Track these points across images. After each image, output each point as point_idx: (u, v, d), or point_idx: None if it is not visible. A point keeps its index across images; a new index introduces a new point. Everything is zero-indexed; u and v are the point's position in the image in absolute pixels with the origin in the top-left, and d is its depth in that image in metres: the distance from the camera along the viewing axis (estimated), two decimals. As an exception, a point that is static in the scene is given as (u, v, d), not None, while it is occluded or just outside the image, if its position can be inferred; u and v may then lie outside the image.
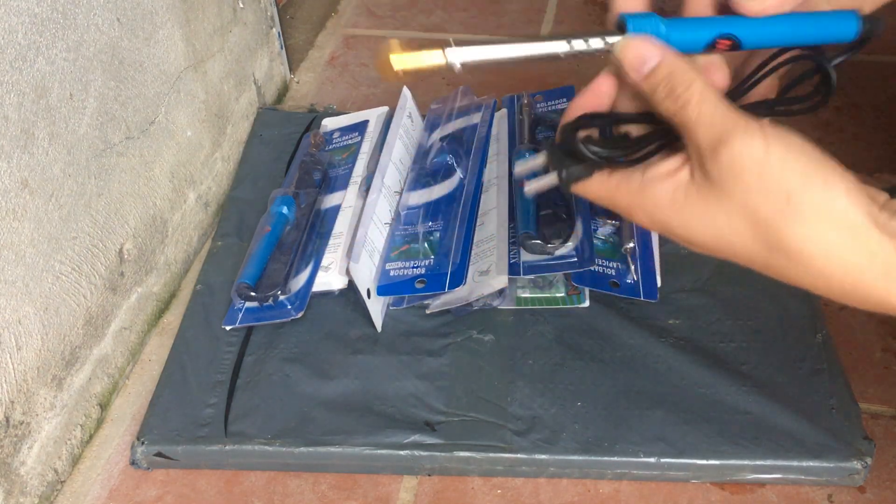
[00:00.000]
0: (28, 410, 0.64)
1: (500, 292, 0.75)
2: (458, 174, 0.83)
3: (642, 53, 0.39)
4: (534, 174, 0.44)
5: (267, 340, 0.75)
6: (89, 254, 0.70)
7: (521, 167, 0.44)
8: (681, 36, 0.41)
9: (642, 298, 0.74)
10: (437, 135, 0.88)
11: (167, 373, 0.74)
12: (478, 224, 0.81)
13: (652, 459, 0.65)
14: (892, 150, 0.96)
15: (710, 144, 0.37)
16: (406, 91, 0.90)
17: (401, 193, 0.83)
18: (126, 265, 0.76)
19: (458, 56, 0.41)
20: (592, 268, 0.75)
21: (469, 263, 0.76)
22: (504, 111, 0.93)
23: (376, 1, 1.25)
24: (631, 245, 0.75)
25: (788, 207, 0.36)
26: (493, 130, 0.91)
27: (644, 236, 0.78)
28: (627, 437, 0.66)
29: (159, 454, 0.68)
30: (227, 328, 0.76)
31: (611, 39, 0.41)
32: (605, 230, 0.79)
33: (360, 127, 0.93)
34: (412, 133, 0.89)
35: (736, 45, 0.41)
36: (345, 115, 0.97)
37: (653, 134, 0.41)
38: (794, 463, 0.65)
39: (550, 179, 0.43)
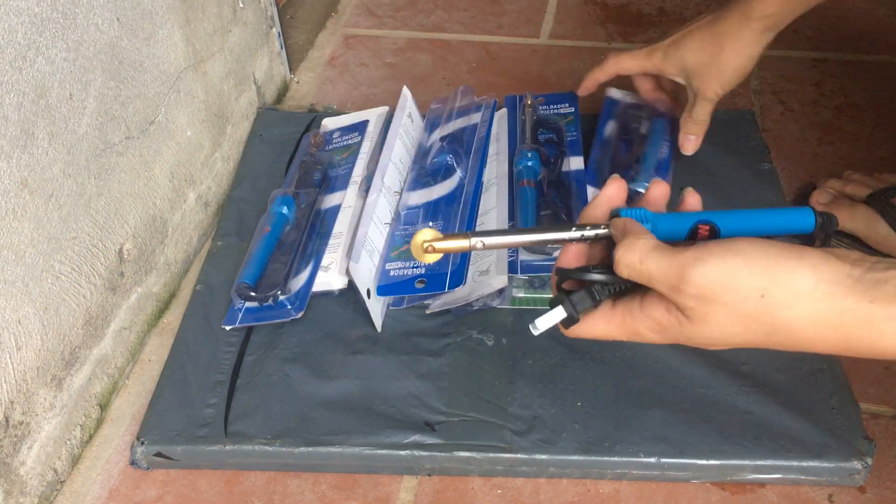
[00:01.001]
0: (28, 410, 0.64)
1: (500, 292, 0.75)
2: (458, 174, 0.83)
3: (598, 209, 0.51)
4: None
5: (267, 340, 0.75)
6: (89, 254, 0.70)
7: (539, 319, 0.49)
8: (665, 225, 0.49)
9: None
10: (437, 135, 0.88)
11: (167, 373, 0.74)
12: (477, 224, 0.81)
13: (652, 459, 0.65)
14: (892, 150, 0.96)
15: (671, 291, 0.44)
16: (406, 91, 0.90)
17: (401, 193, 0.83)
18: (126, 265, 0.76)
19: (481, 242, 0.50)
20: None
21: (469, 263, 0.76)
22: (504, 111, 0.93)
23: (376, 1, 1.25)
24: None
25: (765, 302, 0.42)
26: (494, 130, 0.91)
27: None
28: (627, 437, 0.66)
29: (159, 454, 0.68)
30: (227, 328, 0.76)
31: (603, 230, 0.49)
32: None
33: (360, 127, 0.93)
34: (412, 133, 0.89)
35: (714, 232, 0.48)
36: (345, 115, 0.97)
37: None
38: (795, 463, 0.65)
39: (558, 314, 0.48)
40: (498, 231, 0.51)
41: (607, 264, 0.47)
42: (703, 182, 0.86)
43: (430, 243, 0.49)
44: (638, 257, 0.44)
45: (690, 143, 0.85)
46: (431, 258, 0.50)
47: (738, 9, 0.76)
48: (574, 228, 0.49)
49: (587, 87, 0.90)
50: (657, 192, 0.52)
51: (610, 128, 0.91)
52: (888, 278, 0.41)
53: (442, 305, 0.75)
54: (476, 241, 0.49)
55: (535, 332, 0.50)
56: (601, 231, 0.49)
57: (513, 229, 0.55)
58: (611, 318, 0.48)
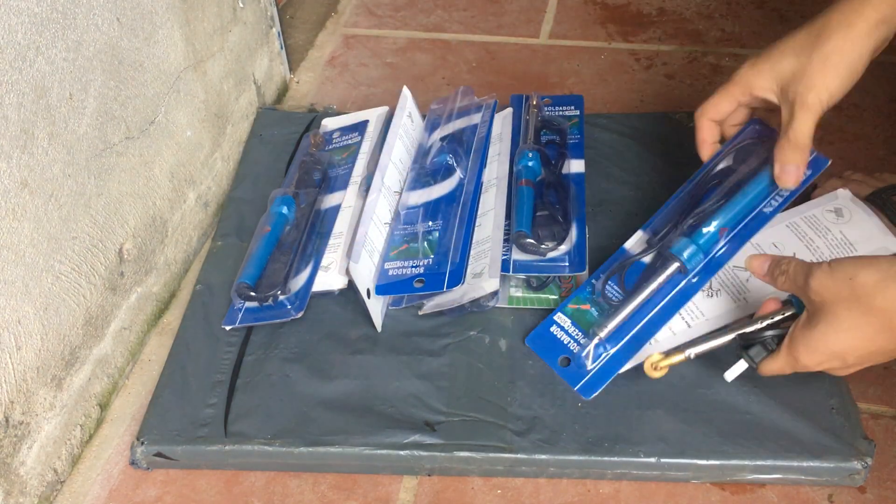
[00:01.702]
0: (28, 410, 0.64)
1: (493, 294, 0.75)
2: (458, 174, 0.83)
3: (758, 262, 0.63)
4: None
5: (267, 340, 0.75)
6: (89, 254, 0.70)
7: (730, 372, 0.64)
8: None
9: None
10: (437, 135, 0.88)
11: (167, 373, 0.74)
12: (476, 225, 0.81)
13: (652, 459, 0.65)
14: (892, 149, 0.96)
15: (803, 285, 0.58)
16: (406, 91, 0.90)
17: (400, 193, 0.83)
18: (126, 265, 0.76)
19: (695, 351, 0.65)
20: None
21: (468, 263, 0.76)
22: (509, 110, 0.93)
23: (376, 1, 1.25)
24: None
25: (854, 284, 0.54)
26: (496, 130, 0.91)
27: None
28: (627, 437, 0.66)
29: (159, 454, 0.68)
30: (227, 328, 0.76)
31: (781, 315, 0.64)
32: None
33: (360, 127, 0.93)
34: (412, 133, 0.89)
35: None
36: (345, 115, 0.97)
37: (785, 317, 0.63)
38: (795, 463, 0.65)
39: (741, 366, 0.63)
40: (706, 337, 0.65)
41: (774, 322, 0.63)
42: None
43: (656, 363, 0.65)
44: (792, 265, 0.59)
45: (791, 174, 0.68)
46: (660, 374, 0.65)
47: None
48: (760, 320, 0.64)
49: (708, 154, 0.75)
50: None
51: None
52: None
53: (435, 307, 0.75)
54: (690, 353, 0.64)
55: (729, 380, 0.64)
56: (782, 316, 0.63)
57: (717, 332, 0.65)
58: (777, 356, 0.61)
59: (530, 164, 0.83)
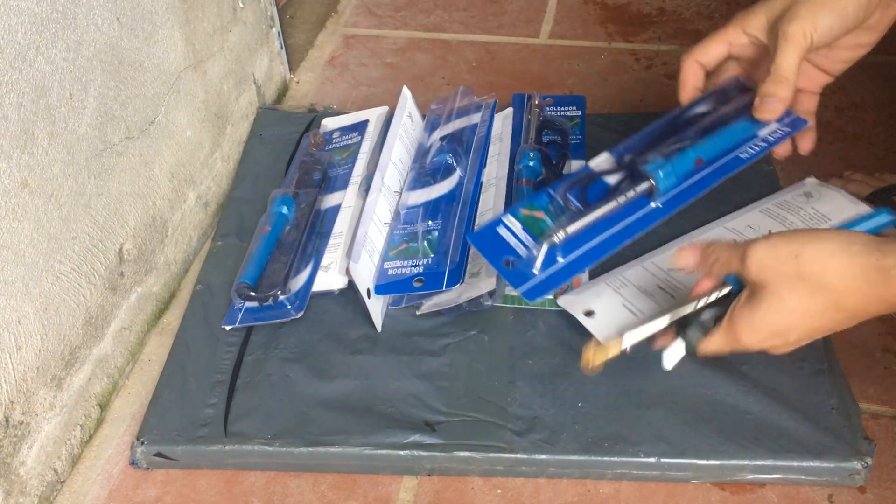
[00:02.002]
0: (28, 410, 0.64)
1: (490, 294, 0.75)
2: (458, 173, 0.83)
3: (687, 256, 0.59)
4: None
5: (267, 340, 0.75)
6: (89, 254, 0.70)
7: (667, 358, 0.60)
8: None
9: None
10: (437, 134, 0.88)
11: (167, 373, 0.74)
12: (476, 225, 0.81)
13: (652, 459, 0.65)
14: (892, 149, 0.96)
15: (740, 264, 0.54)
16: (406, 91, 0.90)
17: (400, 193, 0.83)
18: (126, 265, 0.76)
19: (629, 341, 0.61)
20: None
21: (467, 262, 0.76)
22: (509, 110, 0.94)
23: (376, 1, 1.25)
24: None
25: (799, 261, 0.51)
26: (497, 130, 0.91)
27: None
28: (627, 437, 0.66)
29: (159, 454, 0.68)
30: (227, 328, 0.76)
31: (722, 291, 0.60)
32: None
33: (360, 127, 0.93)
34: (412, 133, 0.89)
35: None
36: (345, 115, 0.97)
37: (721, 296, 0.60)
38: (795, 463, 0.65)
39: (679, 349, 0.60)
40: (639, 323, 0.62)
41: (710, 303, 0.59)
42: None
43: (589, 360, 0.61)
44: (723, 248, 0.57)
45: (769, 105, 0.66)
46: (596, 368, 0.61)
47: None
48: (693, 301, 0.60)
49: (687, 99, 0.73)
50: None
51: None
52: (891, 241, 0.50)
53: (433, 306, 0.75)
54: (626, 345, 0.61)
55: (668, 368, 0.60)
56: (718, 295, 0.59)
57: (651, 317, 0.62)
58: (715, 336, 0.58)
59: (531, 163, 0.83)
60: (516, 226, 0.68)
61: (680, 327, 0.60)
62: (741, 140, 0.69)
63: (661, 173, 0.66)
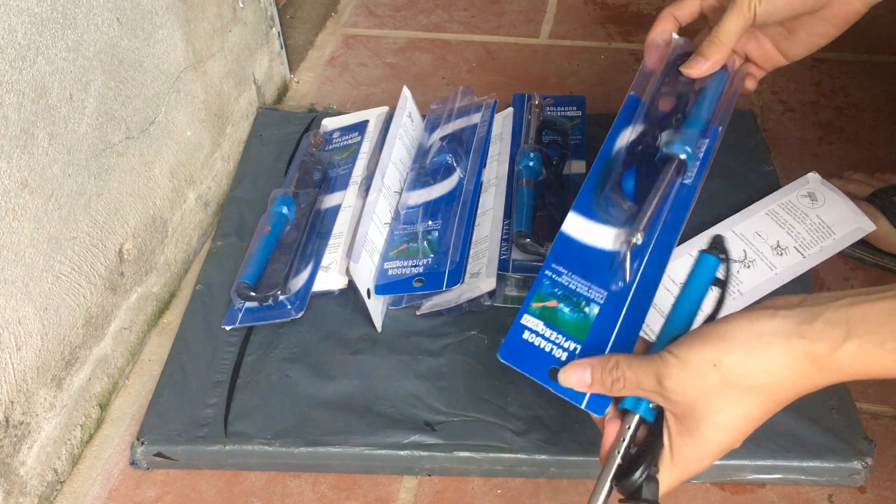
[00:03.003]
0: (28, 410, 0.64)
1: (490, 294, 0.75)
2: (458, 173, 0.83)
3: (575, 374, 0.53)
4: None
5: (267, 340, 0.75)
6: (89, 254, 0.70)
7: None
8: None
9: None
10: (437, 135, 0.88)
11: (167, 373, 0.74)
12: (475, 224, 0.81)
13: (652, 459, 0.65)
14: (892, 149, 0.96)
15: (658, 388, 0.49)
16: (406, 91, 0.90)
17: (400, 193, 0.83)
18: (126, 265, 0.76)
19: None
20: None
21: (467, 262, 0.76)
22: (509, 110, 0.94)
23: (376, 1, 1.25)
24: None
25: (719, 370, 0.47)
26: (497, 130, 0.91)
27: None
28: (627, 437, 0.66)
29: (159, 454, 0.68)
30: (227, 328, 0.76)
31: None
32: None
33: (360, 127, 0.93)
34: (412, 133, 0.89)
35: None
36: (345, 115, 0.97)
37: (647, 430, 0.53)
38: (795, 463, 0.65)
39: None
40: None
41: (642, 454, 0.52)
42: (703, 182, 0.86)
43: None
44: (626, 366, 0.51)
45: (696, 64, 0.67)
46: None
47: None
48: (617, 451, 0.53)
49: (652, 60, 0.72)
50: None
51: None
52: (815, 315, 0.45)
53: (433, 307, 0.75)
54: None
55: None
56: (634, 425, 0.53)
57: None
58: (662, 480, 0.52)
59: (531, 164, 0.83)
60: (539, 325, 0.60)
61: (628, 494, 0.52)
62: (714, 97, 0.68)
63: (687, 148, 0.63)
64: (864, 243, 0.81)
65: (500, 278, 0.75)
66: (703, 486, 0.66)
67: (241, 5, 0.95)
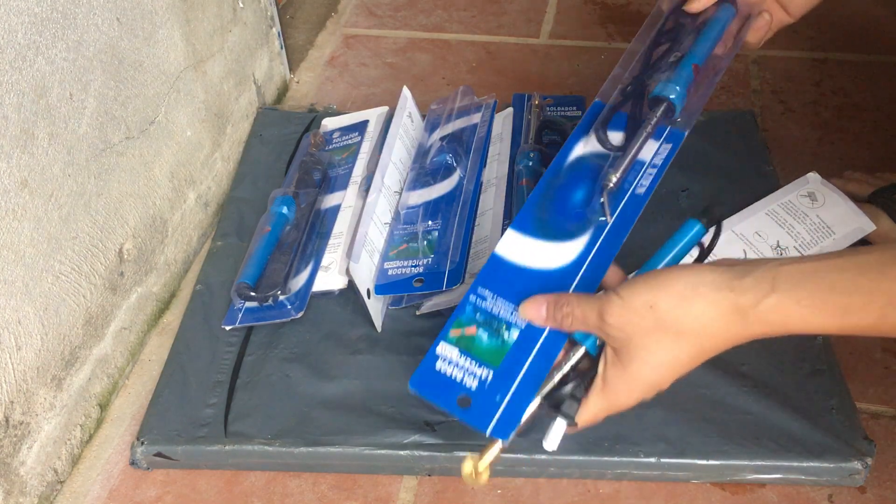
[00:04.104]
0: (28, 410, 0.64)
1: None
2: (458, 173, 0.83)
3: (532, 309, 0.56)
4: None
5: (267, 340, 0.75)
6: (89, 254, 0.70)
7: (548, 440, 0.56)
8: None
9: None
10: (437, 135, 0.88)
11: (167, 373, 0.74)
12: (475, 224, 0.81)
13: (652, 459, 0.65)
14: (893, 149, 0.96)
15: (599, 324, 0.52)
16: (406, 91, 0.90)
17: (400, 193, 0.83)
18: (126, 265, 0.76)
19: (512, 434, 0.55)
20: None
21: (468, 262, 0.76)
22: (509, 110, 0.93)
23: (376, 1, 1.25)
24: None
25: (654, 312, 0.50)
26: (497, 130, 0.91)
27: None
28: (627, 437, 0.66)
29: (159, 454, 0.68)
30: (227, 328, 0.76)
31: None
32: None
33: (360, 127, 0.93)
34: (412, 133, 0.89)
35: None
36: (345, 115, 0.97)
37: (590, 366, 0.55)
38: (795, 463, 0.65)
39: (560, 427, 0.56)
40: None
41: (576, 371, 0.55)
42: (702, 183, 0.86)
43: (473, 471, 0.55)
44: (576, 304, 0.54)
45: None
46: (484, 479, 0.55)
47: None
48: (556, 371, 0.55)
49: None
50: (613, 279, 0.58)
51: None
52: (747, 271, 0.48)
53: (433, 307, 0.75)
54: (504, 443, 0.55)
55: (552, 449, 0.56)
56: (576, 357, 0.55)
57: (523, 400, 0.55)
58: (589, 404, 0.55)
59: (531, 164, 0.83)
60: (453, 353, 0.59)
61: (552, 405, 0.55)
62: (719, 32, 0.66)
63: (677, 89, 0.62)
64: (864, 243, 0.81)
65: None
66: (703, 486, 0.66)
67: (241, 5, 0.95)
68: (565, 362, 0.55)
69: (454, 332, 0.60)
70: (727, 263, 0.51)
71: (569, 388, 0.55)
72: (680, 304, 0.50)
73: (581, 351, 0.55)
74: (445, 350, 0.59)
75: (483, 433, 0.55)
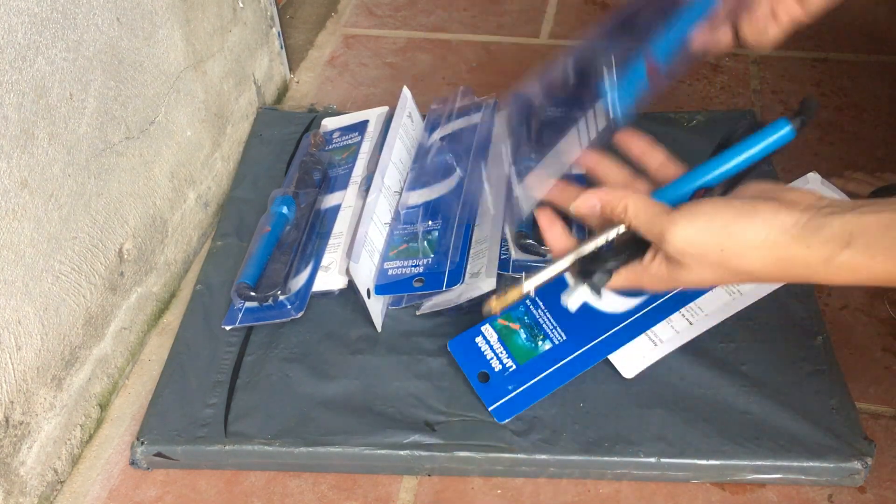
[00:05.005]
0: (28, 410, 0.64)
1: (491, 293, 0.75)
2: (458, 173, 0.83)
3: (585, 201, 0.55)
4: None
5: (267, 340, 0.75)
6: (89, 254, 0.70)
7: (570, 300, 0.57)
8: (669, 198, 0.55)
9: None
10: (437, 135, 0.88)
11: (167, 373, 0.74)
12: (476, 224, 0.80)
13: (652, 459, 0.65)
14: (892, 149, 0.96)
15: (656, 240, 0.53)
16: (406, 91, 0.90)
17: (400, 193, 0.83)
18: (126, 265, 0.76)
19: (531, 284, 0.56)
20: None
21: (468, 262, 0.76)
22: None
23: (376, 1, 1.25)
24: None
25: (724, 254, 0.51)
26: (496, 130, 0.91)
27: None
28: (627, 437, 0.66)
29: (159, 454, 0.68)
30: (227, 328, 0.76)
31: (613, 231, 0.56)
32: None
33: (360, 127, 0.93)
34: (412, 133, 0.89)
35: (709, 191, 0.56)
36: (345, 115, 0.97)
37: (631, 241, 0.55)
38: (795, 463, 0.65)
39: (584, 293, 0.56)
40: (539, 267, 0.56)
41: (619, 245, 0.55)
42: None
43: (493, 307, 0.57)
44: (633, 213, 0.53)
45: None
46: (497, 311, 0.57)
47: None
48: (594, 237, 0.55)
49: None
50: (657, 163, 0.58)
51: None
52: (825, 224, 0.48)
53: (433, 307, 0.75)
54: (528, 287, 0.56)
55: (572, 309, 0.57)
56: (620, 230, 0.55)
57: (550, 260, 0.57)
58: (621, 278, 0.56)
59: (531, 164, 0.83)
60: (493, 337, 0.71)
61: (584, 272, 0.56)
62: (693, 23, 0.60)
63: (616, 100, 0.59)
64: None
65: (500, 279, 0.75)
66: (703, 485, 0.66)
67: (241, 5, 0.95)
68: (603, 234, 0.55)
69: (502, 321, 0.72)
70: (806, 202, 0.50)
71: (606, 264, 0.55)
72: (750, 253, 0.50)
73: (621, 228, 0.55)
74: (488, 331, 0.72)
75: (487, 409, 0.67)
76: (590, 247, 0.55)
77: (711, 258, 0.51)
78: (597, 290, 0.56)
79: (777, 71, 1.08)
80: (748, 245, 0.50)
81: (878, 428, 0.70)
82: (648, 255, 0.54)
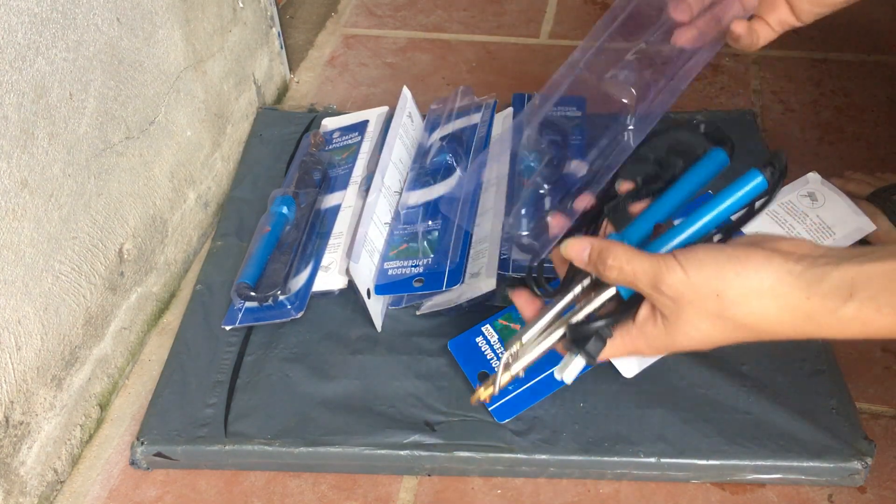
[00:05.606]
0: (28, 410, 0.64)
1: (490, 294, 0.75)
2: (458, 173, 0.83)
3: (576, 249, 0.53)
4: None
5: (267, 340, 0.75)
6: (89, 254, 0.70)
7: (566, 373, 0.55)
8: (632, 236, 0.55)
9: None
10: (437, 135, 0.88)
11: (167, 373, 0.74)
12: (476, 224, 0.80)
13: (652, 459, 0.65)
14: (892, 149, 0.96)
15: (650, 287, 0.50)
16: (406, 91, 0.90)
17: (400, 193, 0.83)
18: (126, 265, 0.76)
19: (520, 366, 0.55)
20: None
21: (468, 262, 0.76)
22: (509, 110, 0.93)
23: (376, 1, 1.25)
24: None
25: (721, 301, 0.48)
26: (496, 130, 0.91)
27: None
28: (627, 437, 0.66)
29: (159, 454, 0.68)
30: (227, 328, 0.76)
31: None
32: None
33: (360, 127, 0.93)
34: (412, 133, 0.89)
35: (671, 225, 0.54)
36: (345, 115, 0.97)
37: (619, 300, 0.54)
38: (795, 463, 0.65)
39: (580, 364, 0.54)
40: (529, 342, 0.55)
41: (607, 313, 0.53)
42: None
43: (478, 396, 0.56)
44: (625, 260, 0.51)
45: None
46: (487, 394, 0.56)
47: None
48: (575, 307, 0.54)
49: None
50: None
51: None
52: (824, 275, 0.46)
53: (433, 307, 0.75)
54: (518, 370, 0.55)
55: (569, 382, 0.55)
56: (610, 295, 0.54)
57: (528, 331, 0.55)
58: (615, 344, 0.54)
59: (532, 164, 0.83)
60: (493, 337, 0.71)
61: (574, 338, 0.54)
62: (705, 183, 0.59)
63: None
64: (864, 243, 0.81)
65: (500, 278, 0.75)
66: (703, 485, 0.66)
67: (241, 5, 0.95)
68: (594, 299, 0.54)
69: (502, 321, 0.72)
70: (801, 251, 0.48)
71: (597, 325, 0.53)
72: (749, 301, 0.48)
73: (612, 292, 0.53)
74: (489, 331, 0.72)
75: (487, 409, 0.68)
76: (579, 315, 0.54)
77: (709, 306, 0.49)
78: (592, 358, 0.53)
79: (777, 71, 1.08)
80: (744, 291, 0.48)
81: (878, 428, 0.70)
82: (642, 311, 0.52)
